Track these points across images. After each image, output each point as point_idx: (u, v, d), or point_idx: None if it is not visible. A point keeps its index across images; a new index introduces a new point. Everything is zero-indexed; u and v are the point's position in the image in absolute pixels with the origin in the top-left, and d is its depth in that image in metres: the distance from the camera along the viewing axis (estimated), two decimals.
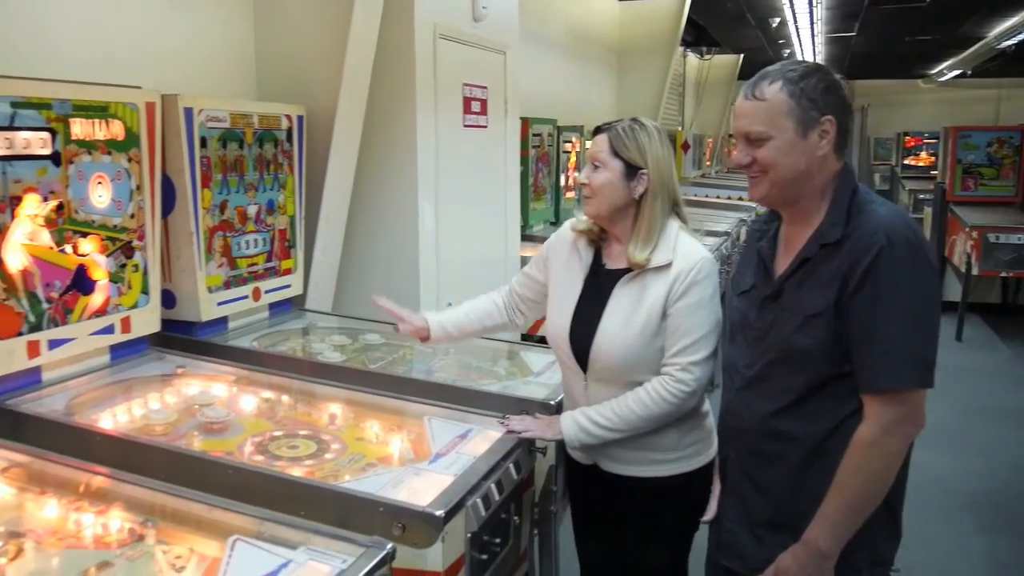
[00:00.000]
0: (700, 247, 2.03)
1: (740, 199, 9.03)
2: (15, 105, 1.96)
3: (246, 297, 2.78)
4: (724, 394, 1.85)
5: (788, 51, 12.02)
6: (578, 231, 2.12)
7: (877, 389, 1.58)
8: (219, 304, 2.66)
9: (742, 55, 12.64)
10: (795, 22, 9.53)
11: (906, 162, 15.49)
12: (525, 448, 2.02)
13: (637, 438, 1.99)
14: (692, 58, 11.73)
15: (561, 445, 2.12)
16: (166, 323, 2.52)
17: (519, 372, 2.64)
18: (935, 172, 10.76)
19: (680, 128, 11.05)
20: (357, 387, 2.27)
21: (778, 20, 9.42)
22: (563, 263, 2.15)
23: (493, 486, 1.81)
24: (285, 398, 2.27)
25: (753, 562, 1.74)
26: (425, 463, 1.88)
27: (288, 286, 2.99)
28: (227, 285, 2.69)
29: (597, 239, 2.10)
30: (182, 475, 1.75)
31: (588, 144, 2.09)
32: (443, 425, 2.07)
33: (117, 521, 1.58)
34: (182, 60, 2.89)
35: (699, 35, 10.33)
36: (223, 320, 2.72)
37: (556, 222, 5.56)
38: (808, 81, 1.61)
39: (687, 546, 2.14)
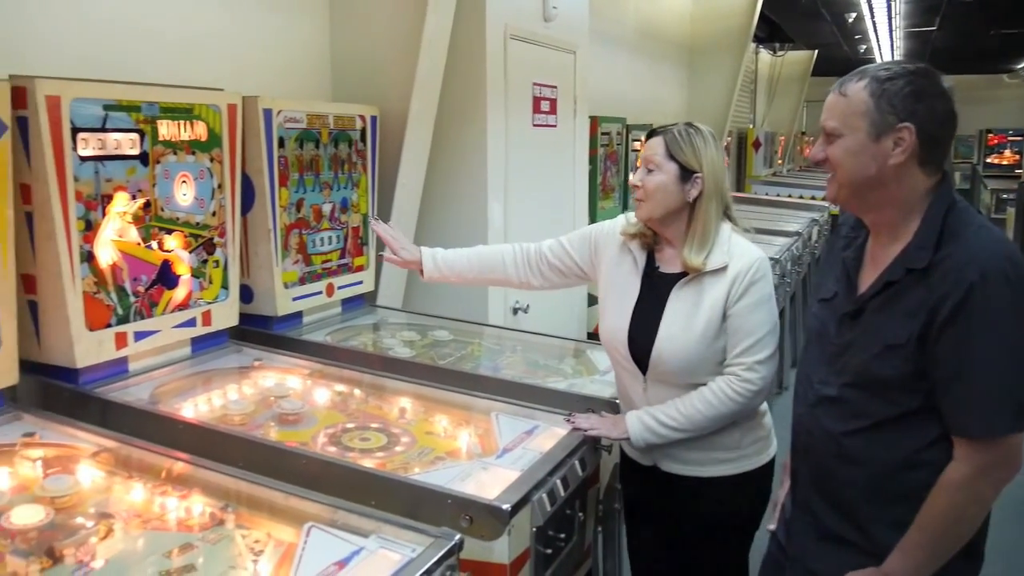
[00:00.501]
0: (754, 247, 2.03)
1: (812, 198, 8.89)
2: (107, 108, 2.06)
3: (320, 293, 2.86)
4: (795, 407, 1.78)
5: (864, 47, 11.77)
6: (628, 234, 2.12)
7: (968, 435, 1.50)
8: (294, 299, 2.74)
9: (816, 51, 12.43)
10: (872, 17, 9.34)
11: (988, 160, 15.04)
12: (590, 446, 2.04)
13: (701, 438, 1.99)
14: (764, 55, 11.56)
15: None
16: (243, 317, 2.61)
17: (585, 371, 2.66)
18: (1020, 171, 10.42)
19: (751, 126, 10.91)
20: (426, 382, 2.32)
21: (854, 15, 9.23)
22: (613, 261, 2.15)
23: (559, 482, 1.84)
24: (357, 391, 2.34)
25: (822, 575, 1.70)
26: (492, 458, 1.92)
27: (360, 282, 3.07)
28: (302, 281, 2.77)
29: (651, 242, 2.09)
30: (259, 463, 1.82)
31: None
32: (510, 421, 2.11)
33: (199, 505, 1.65)
34: (261, 62, 2.98)
35: (772, 31, 10.19)
36: (298, 315, 2.80)
37: None
38: (895, 83, 1.51)
39: (747, 545, 2.14)
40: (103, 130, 2.06)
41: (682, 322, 1.99)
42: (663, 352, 1.99)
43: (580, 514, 2.01)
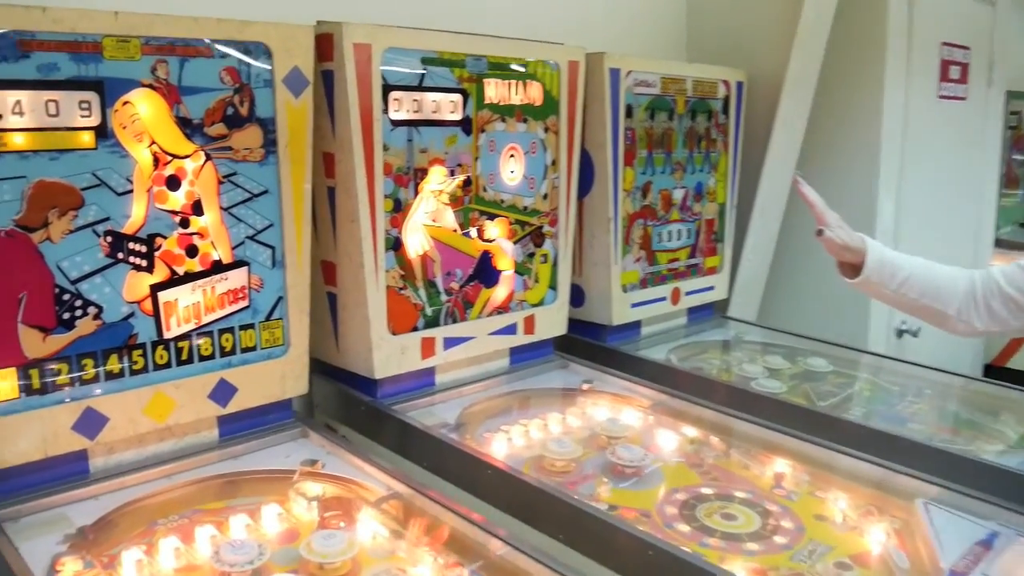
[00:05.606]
0: None
1: None
2: (426, 61, 1.67)
3: (664, 299, 2.34)
4: None
5: None
6: None
7: None
8: (633, 306, 2.24)
9: None
10: None
11: None
12: None
13: None
14: None
15: None
16: (571, 323, 2.16)
17: None
18: None
19: None
20: (808, 436, 1.69)
21: None
22: None
23: None
24: (714, 438, 1.76)
25: None
26: None
27: (711, 288, 2.50)
28: (643, 284, 2.27)
29: None
30: (583, 539, 1.34)
31: None
32: (948, 518, 1.42)
33: None
34: (604, 14, 2.50)
35: None
36: (636, 324, 2.30)
37: None
38: None
39: None
40: (420, 88, 1.67)
41: None
42: None
43: None
